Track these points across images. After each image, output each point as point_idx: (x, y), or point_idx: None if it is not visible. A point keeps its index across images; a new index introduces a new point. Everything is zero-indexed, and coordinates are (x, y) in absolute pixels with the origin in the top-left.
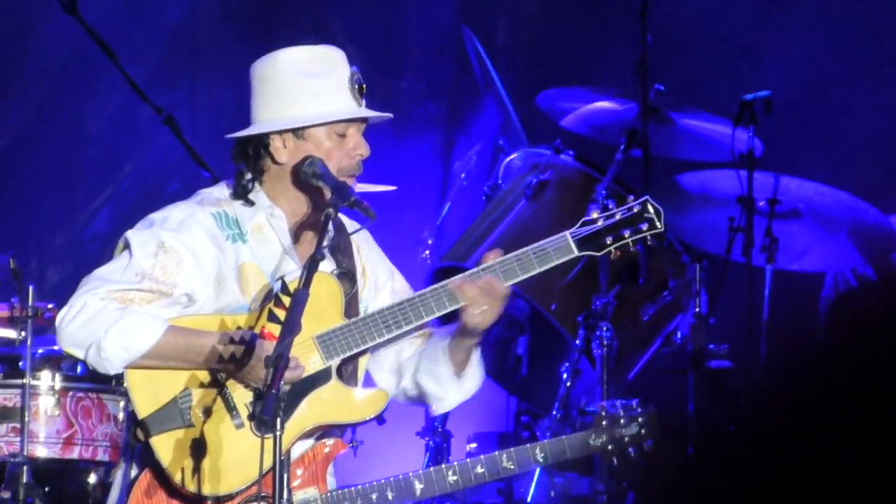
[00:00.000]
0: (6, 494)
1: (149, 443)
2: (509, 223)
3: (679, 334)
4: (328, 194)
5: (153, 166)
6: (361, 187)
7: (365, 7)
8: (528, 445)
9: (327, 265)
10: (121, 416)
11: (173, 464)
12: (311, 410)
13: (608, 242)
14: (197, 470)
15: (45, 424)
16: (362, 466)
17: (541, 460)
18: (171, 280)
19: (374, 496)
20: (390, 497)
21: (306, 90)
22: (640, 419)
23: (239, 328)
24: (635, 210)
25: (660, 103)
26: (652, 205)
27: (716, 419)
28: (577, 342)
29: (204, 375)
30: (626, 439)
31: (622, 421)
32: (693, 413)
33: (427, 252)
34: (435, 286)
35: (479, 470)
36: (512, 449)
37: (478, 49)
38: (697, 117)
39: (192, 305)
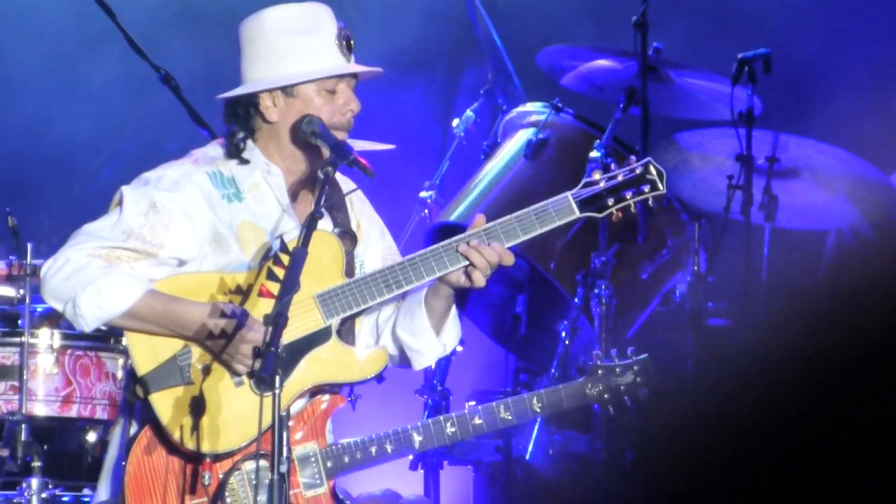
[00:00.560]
0: (4, 452)
1: (148, 400)
2: (508, 181)
3: (678, 293)
4: (327, 153)
5: (152, 124)
6: (360, 145)
7: None
8: (525, 395)
9: (325, 223)
10: (119, 373)
11: (172, 421)
12: (311, 369)
13: (610, 204)
14: (196, 427)
15: (44, 382)
16: (361, 424)
17: (538, 410)
18: (158, 241)
19: (373, 449)
20: (389, 450)
21: (294, 48)
22: (635, 368)
23: (231, 291)
24: (637, 171)
25: (659, 62)
26: (654, 166)
27: (714, 377)
28: (576, 301)
29: None
30: (622, 388)
31: (618, 370)
32: (691, 371)
33: (426, 211)
34: (435, 246)
35: (478, 421)
36: (509, 399)
37: (478, 6)
38: (696, 76)
39: (187, 266)
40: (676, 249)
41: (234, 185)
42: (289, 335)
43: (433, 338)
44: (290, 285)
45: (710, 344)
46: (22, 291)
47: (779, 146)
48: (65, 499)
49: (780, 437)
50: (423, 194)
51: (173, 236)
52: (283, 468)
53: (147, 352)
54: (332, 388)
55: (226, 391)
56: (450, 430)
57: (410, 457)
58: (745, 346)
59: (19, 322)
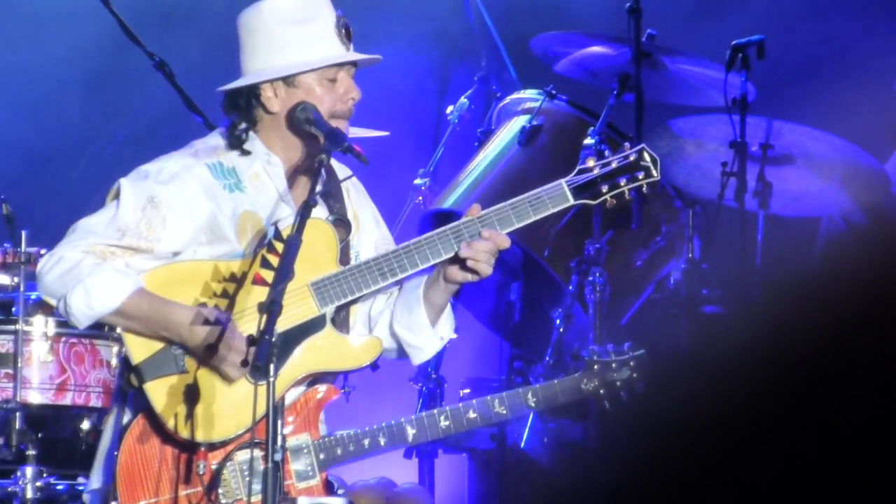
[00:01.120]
0: None
1: (142, 389)
2: (502, 169)
3: (672, 280)
4: (322, 140)
5: (145, 111)
6: (354, 132)
7: None
8: (519, 390)
9: (320, 211)
10: (114, 361)
11: (167, 410)
12: (305, 357)
13: (604, 191)
14: (190, 416)
15: (38, 370)
16: (355, 412)
17: (533, 405)
18: (155, 236)
19: (366, 442)
20: (382, 443)
21: (293, 37)
22: (631, 363)
23: (225, 279)
24: (631, 158)
25: (653, 48)
26: (648, 153)
27: (708, 364)
28: (570, 288)
29: None
30: (618, 383)
31: (613, 365)
32: (686, 358)
33: (420, 198)
34: (429, 234)
35: (472, 415)
36: (504, 393)
37: None
38: (690, 62)
39: (181, 255)
40: (670, 236)
41: (235, 175)
42: (283, 323)
43: (432, 333)
44: (283, 273)
45: (705, 331)
46: (16, 279)
47: (773, 133)
48: (59, 487)
49: (774, 424)
50: (417, 181)
51: (170, 231)
52: (278, 456)
53: (141, 340)
54: (327, 377)
55: (220, 380)
56: (443, 423)
57: None
58: (739, 333)
59: (13, 310)
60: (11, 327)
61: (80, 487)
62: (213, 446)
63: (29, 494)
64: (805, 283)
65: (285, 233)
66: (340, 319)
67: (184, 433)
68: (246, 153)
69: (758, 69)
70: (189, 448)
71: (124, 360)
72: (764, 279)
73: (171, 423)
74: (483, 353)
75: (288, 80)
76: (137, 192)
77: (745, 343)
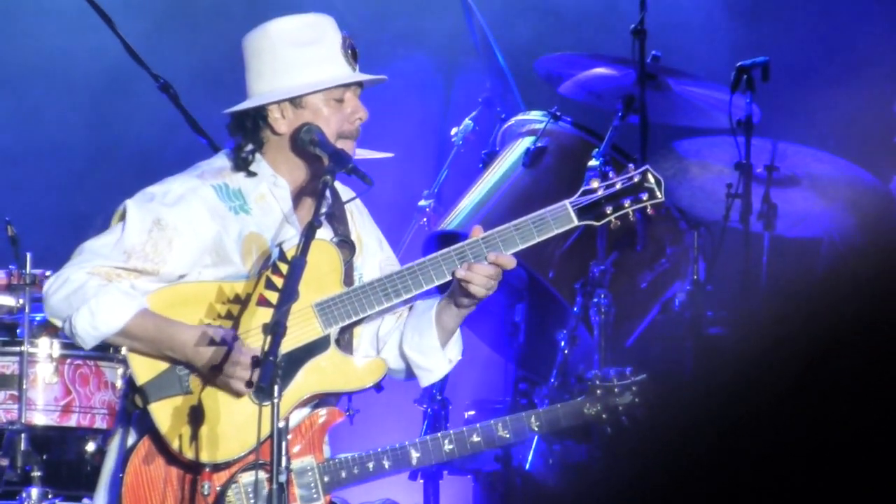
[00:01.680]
0: (4, 462)
1: (147, 409)
2: (507, 190)
3: (677, 301)
4: (326, 161)
5: (149, 131)
6: (359, 153)
7: None
8: (523, 414)
9: (324, 232)
10: (119, 383)
11: (171, 431)
12: (309, 379)
13: (608, 212)
14: (195, 437)
15: (43, 392)
16: (359, 432)
17: (536, 428)
18: (161, 258)
19: (370, 465)
20: (387, 466)
21: (300, 59)
22: (633, 388)
23: (230, 301)
24: (636, 179)
25: (657, 69)
26: (653, 174)
27: (713, 386)
28: (575, 309)
29: None
30: (620, 408)
31: (616, 389)
32: (690, 379)
33: (425, 219)
34: (434, 255)
35: (475, 439)
36: (507, 417)
37: (475, 14)
38: (695, 84)
39: (186, 277)
40: (675, 258)
41: (241, 196)
42: (287, 344)
43: (442, 356)
44: (288, 294)
45: (710, 352)
46: (21, 301)
47: (777, 154)
48: None
49: (780, 445)
50: (421, 203)
51: (176, 253)
52: (283, 478)
53: (146, 361)
54: (331, 398)
55: (225, 401)
56: (447, 447)
57: None
58: (744, 355)
59: (18, 331)
60: (16, 349)
61: None
62: (217, 467)
63: None
64: (810, 305)
65: (290, 254)
66: (345, 341)
67: (188, 454)
68: (252, 174)
69: (762, 91)
70: (194, 469)
71: (129, 381)
72: (769, 301)
73: (175, 444)
74: (488, 375)
75: (295, 101)
76: (143, 215)
77: (750, 364)
